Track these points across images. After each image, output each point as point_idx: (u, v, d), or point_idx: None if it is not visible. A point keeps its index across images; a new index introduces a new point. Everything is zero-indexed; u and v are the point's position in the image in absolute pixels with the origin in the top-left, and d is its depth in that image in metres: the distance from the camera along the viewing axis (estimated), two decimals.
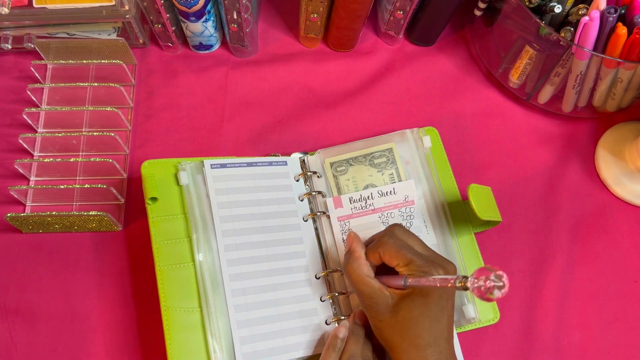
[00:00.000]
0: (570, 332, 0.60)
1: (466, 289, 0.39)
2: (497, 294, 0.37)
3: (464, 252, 0.59)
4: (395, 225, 0.51)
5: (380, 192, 0.60)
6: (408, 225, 0.59)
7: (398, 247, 0.48)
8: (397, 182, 0.60)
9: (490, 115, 0.69)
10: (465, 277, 0.40)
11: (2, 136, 0.64)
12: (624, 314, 0.61)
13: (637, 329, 0.61)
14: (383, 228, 0.56)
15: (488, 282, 0.37)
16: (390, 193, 0.60)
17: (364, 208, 0.59)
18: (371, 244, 0.51)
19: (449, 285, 0.41)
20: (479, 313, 0.57)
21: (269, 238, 0.57)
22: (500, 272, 0.37)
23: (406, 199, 0.60)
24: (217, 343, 0.52)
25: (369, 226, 0.58)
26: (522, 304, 0.61)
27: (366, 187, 0.60)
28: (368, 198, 0.59)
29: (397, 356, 0.48)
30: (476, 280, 0.38)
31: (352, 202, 0.59)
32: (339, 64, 0.71)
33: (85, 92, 0.64)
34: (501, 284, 0.37)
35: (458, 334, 0.57)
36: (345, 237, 0.58)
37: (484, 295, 0.37)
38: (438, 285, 0.43)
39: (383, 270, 0.50)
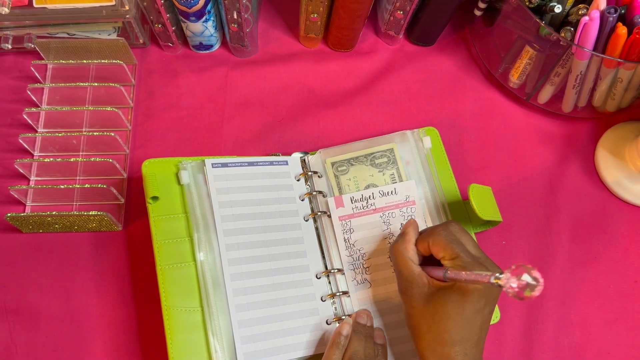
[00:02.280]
0: (570, 332, 0.60)
1: (501, 286, 0.39)
2: (531, 293, 0.37)
3: None
4: (452, 221, 0.51)
5: (381, 192, 0.60)
6: None
7: (448, 240, 0.48)
8: (398, 182, 0.60)
9: (490, 115, 0.69)
10: (501, 275, 0.39)
11: (2, 136, 0.64)
12: (624, 313, 0.61)
13: (637, 329, 0.61)
14: (384, 228, 0.57)
15: (521, 281, 0.37)
16: (392, 193, 0.60)
17: (365, 208, 0.59)
18: (423, 233, 0.51)
19: (485, 281, 0.41)
20: None
21: (270, 237, 0.57)
22: (534, 272, 0.37)
23: (407, 199, 0.60)
24: (219, 343, 0.52)
25: (370, 226, 0.58)
26: (522, 304, 0.61)
27: (367, 187, 0.60)
28: (369, 198, 0.59)
29: (420, 347, 0.47)
30: (510, 279, 0.38)
31: (353, 201, 0.59)
32: (339, 64, 0.71)
33: (85, 92, 0.64)
34: (535, 283, 0.37)
35: None
36: (346, 237, 0.58)
37: (519, 294, 0.37)
38: (475, 279, 0.43)
39: (430, 264, 0.50)
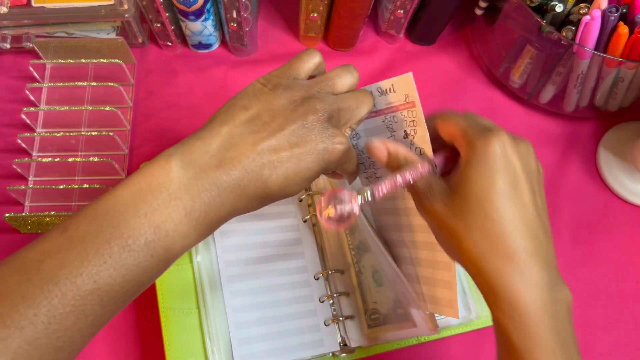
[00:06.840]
0: None
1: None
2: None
3: None
4: None
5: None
6: (412, 133, 0.46)
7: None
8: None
9: (492, 115, 0.69)
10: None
11: (1, 136, 0.63)
12: (626, 314, 0.61)
13: (639, 329, 0.61)
14: (388, 133, 0.48)
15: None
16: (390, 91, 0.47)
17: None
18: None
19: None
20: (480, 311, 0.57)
21: (267, 239, 0.57)
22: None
23: (407, 99, 0.46)
24: (215, 344, 0.52)
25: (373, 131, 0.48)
26: None
27: None
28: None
29: (469, 256, 0.36)
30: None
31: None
32: (339, 63, 0.69)
33: (84, 92, 0.64)
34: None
35: (459, 334, 0.57)
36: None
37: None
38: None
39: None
